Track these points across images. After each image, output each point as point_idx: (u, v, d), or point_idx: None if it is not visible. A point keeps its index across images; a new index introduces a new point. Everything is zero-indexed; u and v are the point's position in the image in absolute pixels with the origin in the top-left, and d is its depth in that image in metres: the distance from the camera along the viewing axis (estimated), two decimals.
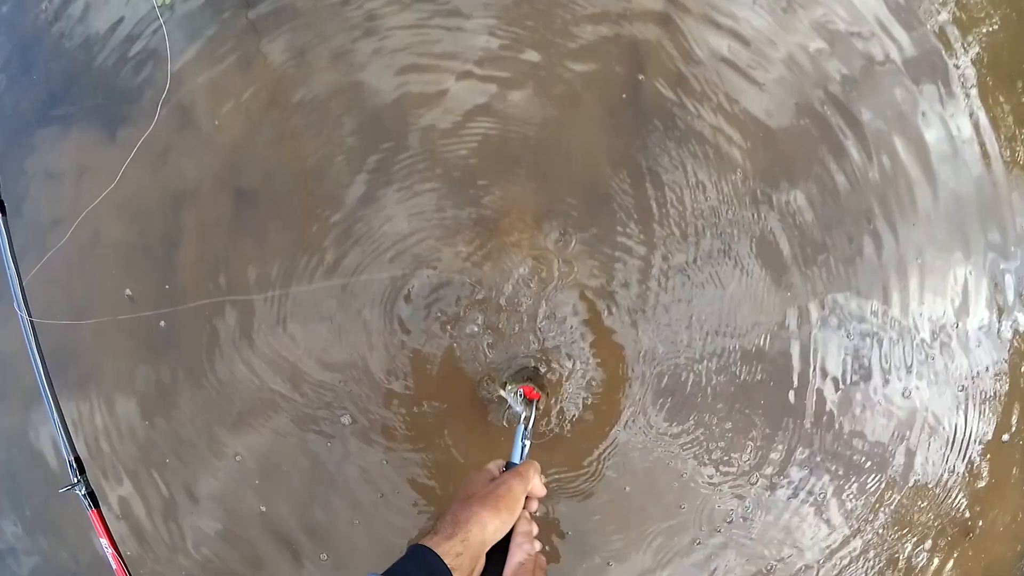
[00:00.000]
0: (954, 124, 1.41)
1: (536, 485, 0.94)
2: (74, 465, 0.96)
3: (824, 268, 1.40)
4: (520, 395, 1.21)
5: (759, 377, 1.39)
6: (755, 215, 1.40)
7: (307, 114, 1.42)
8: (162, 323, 1.41)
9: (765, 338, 1.40)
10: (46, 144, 1.46)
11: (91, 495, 0.97)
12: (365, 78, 1.42)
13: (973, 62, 1.43)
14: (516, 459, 1.03)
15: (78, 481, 0.96)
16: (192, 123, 1.42)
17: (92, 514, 0.96)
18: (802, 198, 1.40)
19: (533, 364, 1.38)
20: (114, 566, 0.93)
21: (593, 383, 1.40)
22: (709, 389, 1.40)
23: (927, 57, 1.42)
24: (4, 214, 0.95)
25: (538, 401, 1.21)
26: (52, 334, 1.37)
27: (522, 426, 1.08)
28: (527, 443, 1.05)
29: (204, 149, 1.43)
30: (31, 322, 0.93)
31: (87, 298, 1.44)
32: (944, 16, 1.42)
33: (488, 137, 1.41)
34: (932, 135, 1.41)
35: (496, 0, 1.41)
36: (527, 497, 0.93)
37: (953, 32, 1.43)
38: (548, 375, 1.39)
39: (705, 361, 1.40)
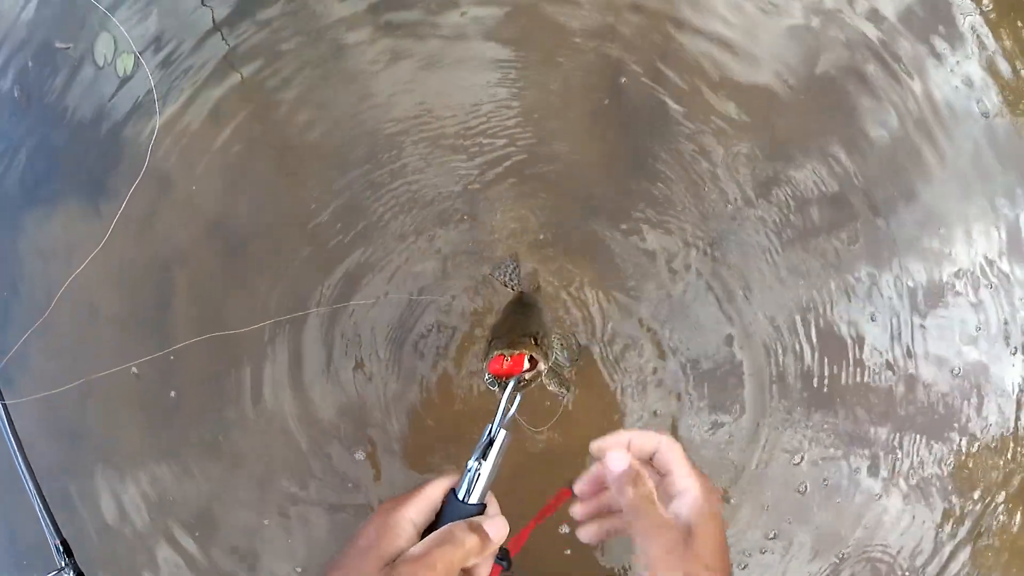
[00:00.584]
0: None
1: (490, 539, 0.60)
2: (60, 548, 0.94)
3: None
4: (494, 378, 0.85)
5: None
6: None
7: (286, 166, 1.42)
8: (172, 393, 1.41)
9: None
10: (35, 224, 1.49)
11: None
12: (350, 119, 1.42)
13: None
14: (465, 494, 0.62)
15: (66, 565, 0.93)
16: (171, 185, 1.43)
17: None
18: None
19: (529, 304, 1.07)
20: None
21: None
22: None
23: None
24: None
25: (522, 380, 0.82)
26: (61, 413, 1.40)
27: (492, 425, 0.65)
28: (483, 466, 0.62)
29: (185, 209, 1.43)
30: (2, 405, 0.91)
31: (87, 370, 1.44)
32: None
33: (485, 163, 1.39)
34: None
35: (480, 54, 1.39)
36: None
37: None
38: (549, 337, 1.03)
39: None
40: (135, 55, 1.30)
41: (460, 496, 0.61)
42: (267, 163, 1.41)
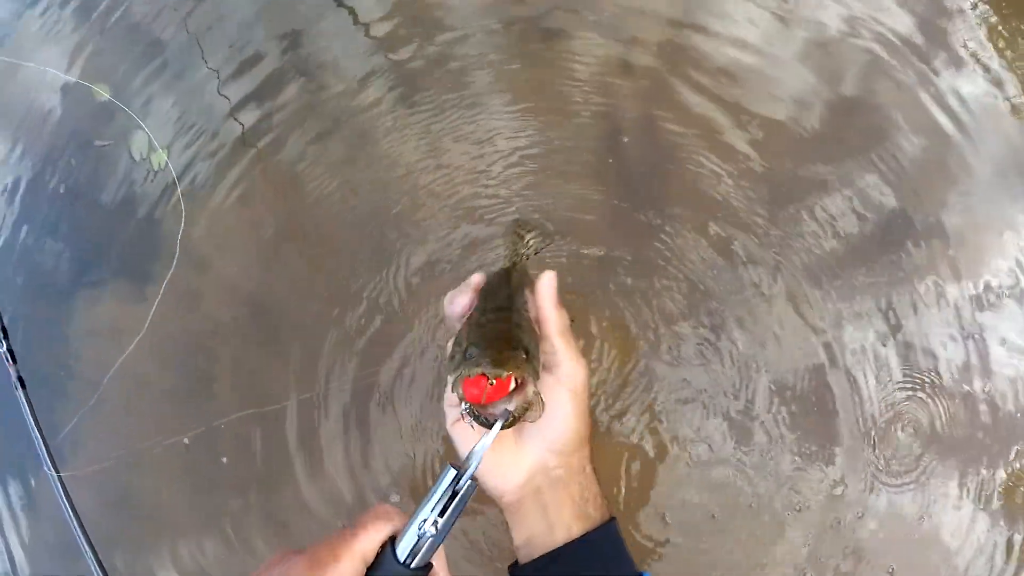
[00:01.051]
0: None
1: None
2: None
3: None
4: (464, 398, 0.62)
5: None
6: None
7: (317, 242, 1.51)
8: (224, 459, 1.46)
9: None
10: (84, 307, 1.59)
11: None
12: (375, 196, 1.50)
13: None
14: (409, 555, 0.51)
15: None
16: (207, 267, 1.52)
17: None
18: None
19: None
20: None
21: None
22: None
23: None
24: (24, 388, 1.04)
25: (512, 415, 0.61)
26: (111, 485, 1.48)
27: (457, 471, 0.56)
28: (440, 524, 0.52)
29: (223, 289, 1.52)
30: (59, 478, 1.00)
31: (137, 443, 1.53)
32: None
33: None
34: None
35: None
36: None
37: None
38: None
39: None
40: (167, 151, 1.39)
41: (401, 556, 0.49)
42: (296, 243, 1.49)
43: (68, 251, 1.59)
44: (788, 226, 1.41)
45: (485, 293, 0.72)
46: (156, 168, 1.47)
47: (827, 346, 1.35)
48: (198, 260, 1.52)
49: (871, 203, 1.41)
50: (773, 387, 1.34)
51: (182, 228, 1.49)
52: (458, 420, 0.67)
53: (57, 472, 1.03)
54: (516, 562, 0.67)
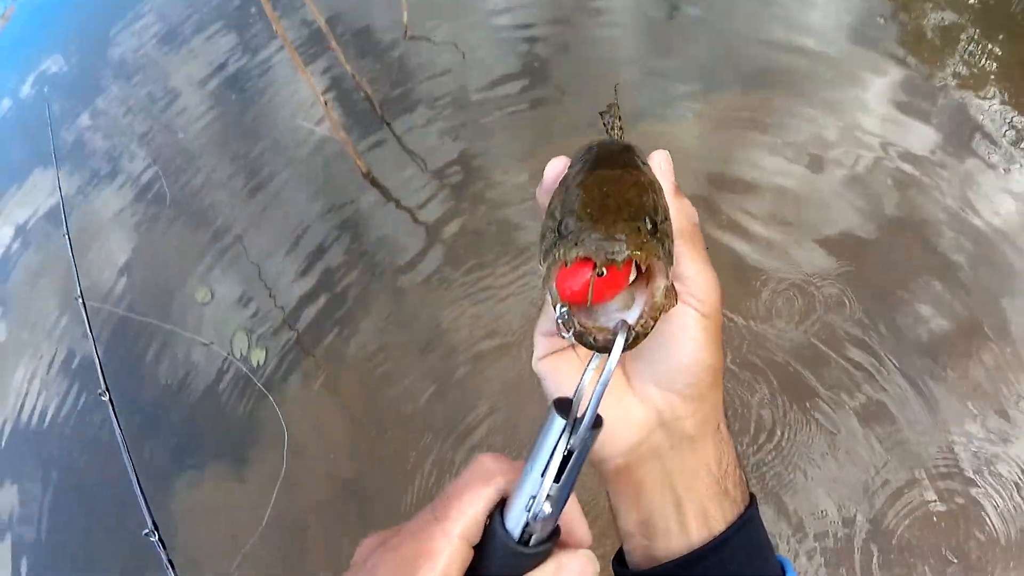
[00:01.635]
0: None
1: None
2: None
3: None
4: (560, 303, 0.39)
5: None
6: None
7: (396, 423, 1.64)
8: None
9: None
10: (186, 488, 1.74)
11: None
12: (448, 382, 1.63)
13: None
14: (523, 531, 0.35)
15: None
16: (303, 449, 1.67)
17: None
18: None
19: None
20: None
21: None
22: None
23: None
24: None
25: (635, 330, 0.38)
26: None
27: (570, 417, 0.35)
28: (554, 490, 0.35)
29: (314, 469, 1.66)
30: None
31: None
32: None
33: None
34: None
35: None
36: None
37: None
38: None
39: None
40: (264, 349, 1.56)
41: (515, 532, 0.35)
42: (378, 423, 1.63)
43: (171, 435, 1.75)
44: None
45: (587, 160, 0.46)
46: (255, 364, 1.63)
47: None
48: (293, 445, 1.67)
49: (942, 311, 1.51)
50: None
51: (278, 415, 1.63)
52: (551, 350, 0.46)
53: None
54: (621, 552, 0.48)
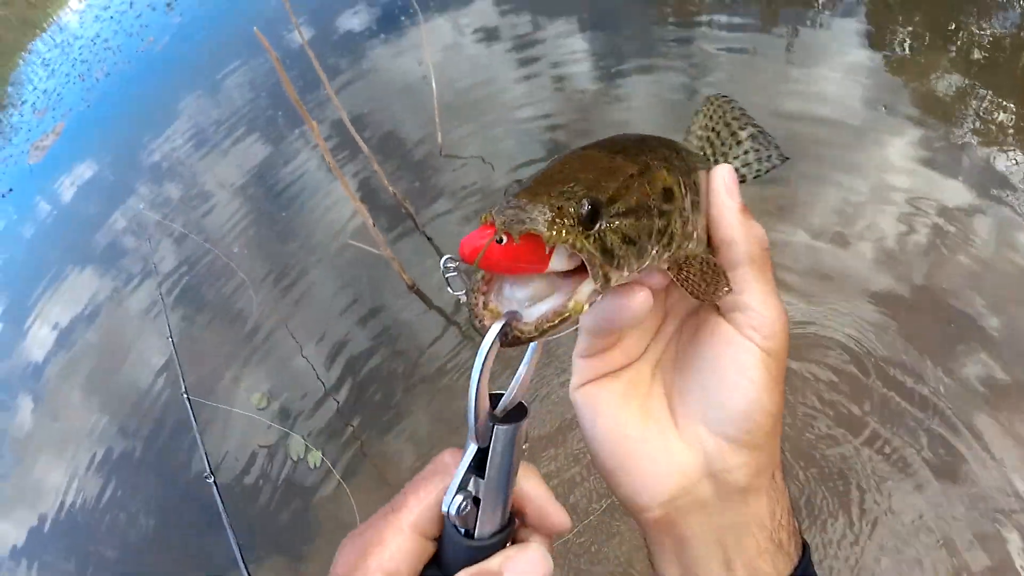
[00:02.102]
0: None
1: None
2: None
3: None
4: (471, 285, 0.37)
5: None
6: None
7: None
8: None
9: None
10: None
11: None
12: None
13: None
14: (467, 523, 0.36)
15: None
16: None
17: None
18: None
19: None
20: None
21: None
22: None
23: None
24: None
25: (514, 328, 0.35)
26: None
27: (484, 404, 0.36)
28: (481, 487, 0.36)
29: None
30: None
31: None
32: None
33: None
34: None
35: None
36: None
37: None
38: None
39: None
40: (320, 451, 1.64)
41: (454, 525, 0.35)
42: None
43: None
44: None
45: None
46: (312, 466, 1.71)
47: None
48: (335, 524, 1.73)
49: (984, 381, 1.55)
50: None
51: (331, 513, 1.70)
52: (591, 376, 0.43)
53: None
54: None
